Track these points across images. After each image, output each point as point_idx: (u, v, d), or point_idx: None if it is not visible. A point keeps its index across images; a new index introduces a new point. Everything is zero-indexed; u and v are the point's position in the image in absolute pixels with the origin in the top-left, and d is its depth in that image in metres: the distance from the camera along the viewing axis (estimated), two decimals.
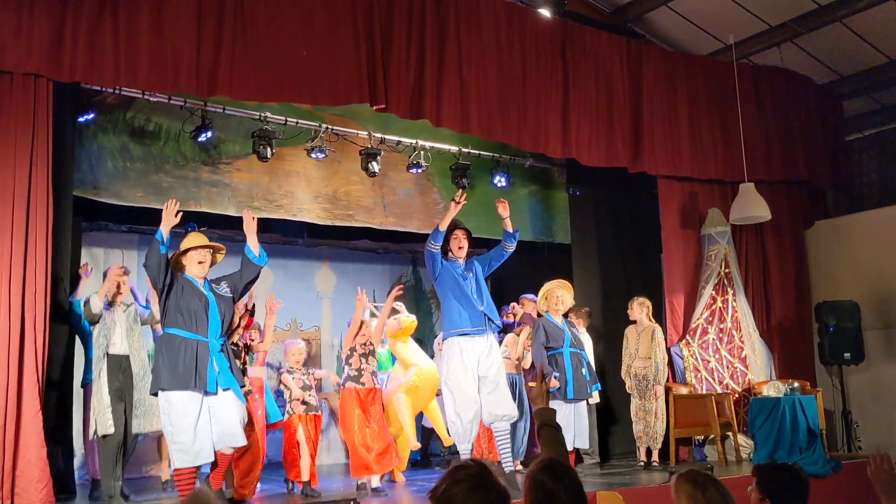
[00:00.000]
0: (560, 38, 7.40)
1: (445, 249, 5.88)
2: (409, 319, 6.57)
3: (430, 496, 2.30)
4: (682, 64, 8.27)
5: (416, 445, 6.74)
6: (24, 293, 5.03)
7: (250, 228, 5.12)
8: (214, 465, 4.87)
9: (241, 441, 4.81)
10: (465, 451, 5.71)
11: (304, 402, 5.99)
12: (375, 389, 6.04)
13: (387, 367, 7.13)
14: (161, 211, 5.50)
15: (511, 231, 5.91)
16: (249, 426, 5.49)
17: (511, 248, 5.96)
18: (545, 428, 3.38)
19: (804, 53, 8.87)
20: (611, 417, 7.91)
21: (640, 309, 7.28)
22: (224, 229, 7.84)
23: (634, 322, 7.33)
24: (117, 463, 5.51)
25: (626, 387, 7.29)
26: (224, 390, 4.72)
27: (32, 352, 5.02)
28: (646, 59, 7.92)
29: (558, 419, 6.80)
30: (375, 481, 5.92)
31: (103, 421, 5.44)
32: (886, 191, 9.42)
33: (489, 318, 5.72)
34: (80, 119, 6.07)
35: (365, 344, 6.09)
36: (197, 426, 4.59)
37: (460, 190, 5.98)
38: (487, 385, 5.64)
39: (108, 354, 5.56)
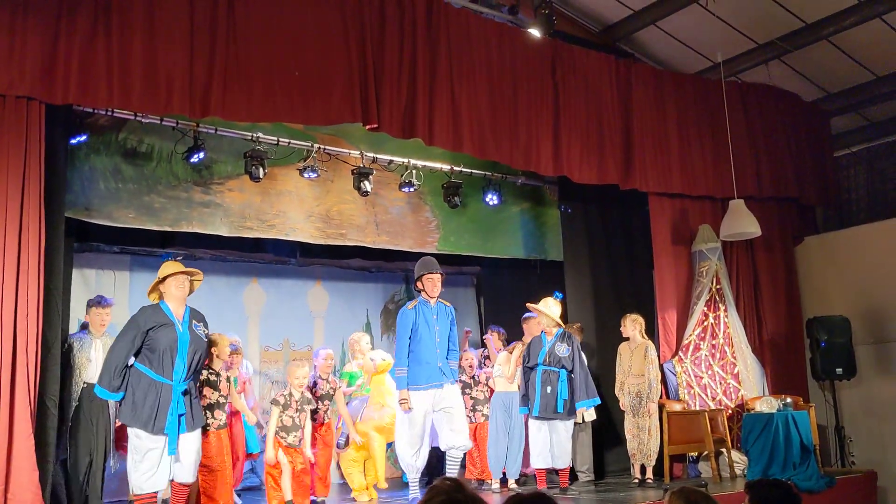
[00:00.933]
0: (550, 58, 7.47)
1: (419, 289, 6.32)
2: (384, 362, 6.90)
3: None
4: (670, 82, 8.35)
5: (384, 485, 6.90)
6: (17, 315, 5.01)
7: None
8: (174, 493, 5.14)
9: (191, 478, 5.10)
10: (413, 481, 6.23)
11: (287, 442, 6.05)
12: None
13: (364, 387, 7.22)
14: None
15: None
16: (227, 455, 5.76)
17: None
18: None
19: (792, 71, 8.97)
20: (604, 434, 7.90)
21: (632, 326, 7.29)
22: (216, 249, 7.86)
23: (627, 339, 7.34)
24: (85, 487, 5.68)
25: (620, 404, 7.29)
26: (182, 435, 4.97)
27: (24, 374, 4.99)
28: (635, 78, 8.00)
29: (534, 436, 6.91)
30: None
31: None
32: (874, 206, 9.51)
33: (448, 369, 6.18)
34: (73, 141, 6.06)
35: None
36: (158, 458, 4.90)
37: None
38: (447, 420, 6.15)
39: (85, 383, 5.75)
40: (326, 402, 6.52)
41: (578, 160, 7.43)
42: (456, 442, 6.16)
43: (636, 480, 7.12)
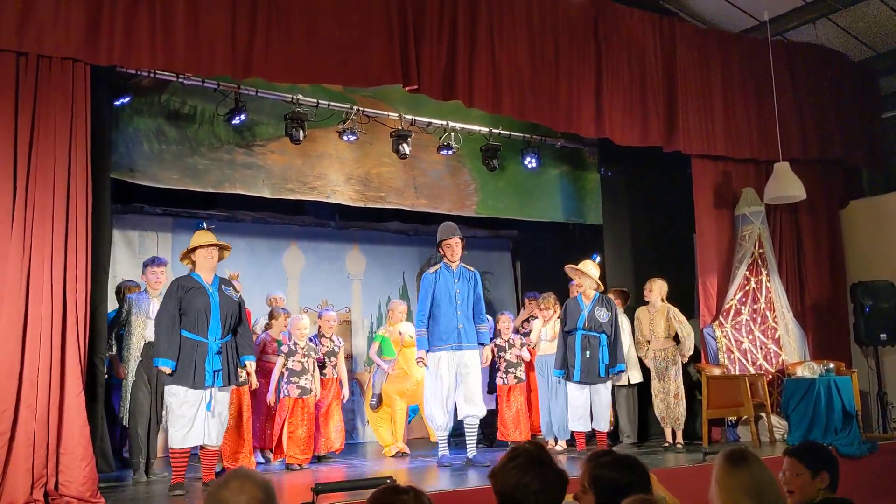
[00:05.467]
0: (593, 17, 7.31)
1: (441, 255, 6.38)
2: (411, 339, 6.96)
3: (490, 475, 2.41)
4: (715, 42, 8.15)
5: (402, 448, 7.21)
6: (66, 275, 5.08)
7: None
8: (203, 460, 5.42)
9: (217, 441, 5.36)
10: (441, 438, 6.32)
11: (298, 387, 6.41)
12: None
13: (391, 355, 7.41)
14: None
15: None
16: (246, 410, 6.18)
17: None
18: None
19: (839, 29, 8.71)
20: (642, 398, 7.88)
21: (659, 290, 7.25)
22: (258, 211, 7.93)
23: (647, 303, 7.29)
24: (147, 440, 5.90)
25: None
26: (218, 389, 5.26)
27: (74, 333, 5.07)
28: (679, 37, 7.81)
29: (574, 400, 6.85)
30: None
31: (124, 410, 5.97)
32: None
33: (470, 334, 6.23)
34: (117, 102, 6.13)
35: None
36: (193, 415, 5.20)
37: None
38: (463, 388, 6.19)
39: (146, 341, 5.90)
40: (333, 358, 6.87)
41: (620, 122, 7.30)
42: (468, 411, 6.21)
43: (666, 445, 7.11)
